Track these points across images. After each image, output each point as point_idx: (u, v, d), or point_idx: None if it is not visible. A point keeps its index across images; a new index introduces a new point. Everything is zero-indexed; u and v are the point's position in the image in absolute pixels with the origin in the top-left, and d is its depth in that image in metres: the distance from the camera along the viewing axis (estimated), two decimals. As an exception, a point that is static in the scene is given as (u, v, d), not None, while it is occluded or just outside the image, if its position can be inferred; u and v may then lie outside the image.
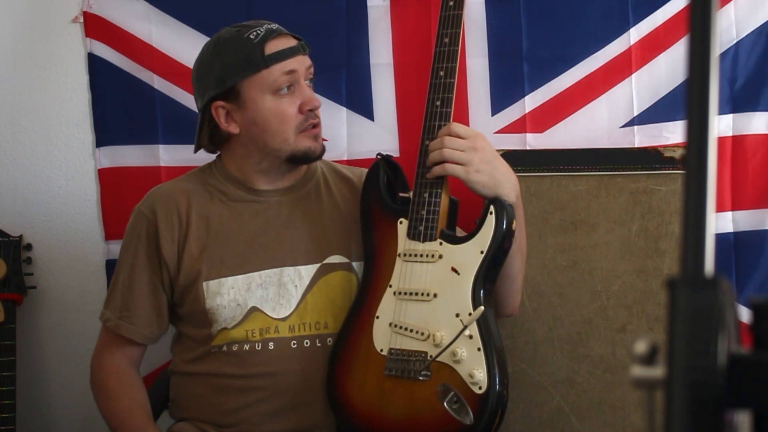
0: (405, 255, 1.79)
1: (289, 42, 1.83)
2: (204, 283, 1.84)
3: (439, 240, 1.77)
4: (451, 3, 1.84)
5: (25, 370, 2.34)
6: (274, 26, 1.84)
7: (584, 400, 2.11)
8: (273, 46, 1.81)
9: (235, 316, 1.83)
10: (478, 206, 1.78)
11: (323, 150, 1.89)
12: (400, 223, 1.81)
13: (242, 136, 1.86)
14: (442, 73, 1.81)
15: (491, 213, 1.73)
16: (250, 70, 1.80)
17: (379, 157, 1.87)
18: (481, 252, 1.72)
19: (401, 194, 1.87)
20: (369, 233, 1.85)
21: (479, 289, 1.72)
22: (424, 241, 1.77)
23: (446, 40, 1.82)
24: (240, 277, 1.84)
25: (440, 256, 1.75)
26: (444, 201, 1.78)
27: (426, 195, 1.79)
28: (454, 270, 1.74)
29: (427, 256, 1.76)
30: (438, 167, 1.76)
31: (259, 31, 1.81)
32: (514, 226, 1.74)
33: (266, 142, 1.84)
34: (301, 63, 1.84)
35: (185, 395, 1.89)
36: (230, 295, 1.83)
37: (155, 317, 1.90)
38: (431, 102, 1.81)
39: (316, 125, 1.86)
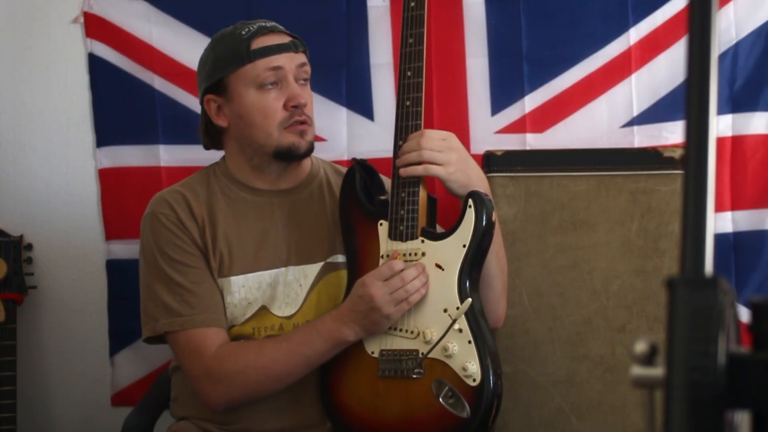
0: (388, 256, 1.78)
1: (279, 39, 1.84)
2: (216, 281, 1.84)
3: (420, 238, 1.76)
4: (413, 4, 1.84)
5: (25, 370, 2.34)
6: (270, 24, 1.85)
7: (584, 400, 2.11)
8: (260, 42, 1.82)
9: (245, 314, 1.83)
10: (457, 203, 1.77)
11: (310, 148, 1.86)
12: (380, 225, 1.81)
13: (231, 130, 1.87)
14: (409, 74, 1.81)
15: (470, 206, 1.72)
16: (235, 64, 1.81)
17: (354, 161, 1.88)
18: (464, 246, 1.72)
19: (380, 197, 1.86)
20: (350, 238, 1.84)
21: (465, 281, 1.72)
22: (405, 240, 1.77)
23: (411, 40, 1.82)
24: (250, 275, 1.84)
25: (423, 254, 1.75)
26: (422, 198, 1.78)
27: (403, 194, 1.78)
28: (438, 266, 1.74)
29: (410, 254, 1.76)
30: (419, 167, 1.76)
31: (251, 28, 1.83)
32: (494, 217, 1.74)
33: (252, 136, 1.84)
34: (290, 60, 1.83)
35: (187, 393, 1.89)
36: (241, 293, 1.83)
37: (221, 301, 1.82)
38: (401, 103, 1.81)
39: (303, 122, 1.84)
